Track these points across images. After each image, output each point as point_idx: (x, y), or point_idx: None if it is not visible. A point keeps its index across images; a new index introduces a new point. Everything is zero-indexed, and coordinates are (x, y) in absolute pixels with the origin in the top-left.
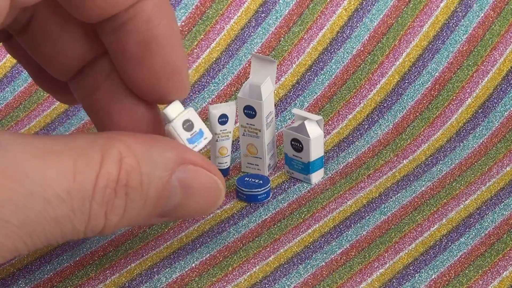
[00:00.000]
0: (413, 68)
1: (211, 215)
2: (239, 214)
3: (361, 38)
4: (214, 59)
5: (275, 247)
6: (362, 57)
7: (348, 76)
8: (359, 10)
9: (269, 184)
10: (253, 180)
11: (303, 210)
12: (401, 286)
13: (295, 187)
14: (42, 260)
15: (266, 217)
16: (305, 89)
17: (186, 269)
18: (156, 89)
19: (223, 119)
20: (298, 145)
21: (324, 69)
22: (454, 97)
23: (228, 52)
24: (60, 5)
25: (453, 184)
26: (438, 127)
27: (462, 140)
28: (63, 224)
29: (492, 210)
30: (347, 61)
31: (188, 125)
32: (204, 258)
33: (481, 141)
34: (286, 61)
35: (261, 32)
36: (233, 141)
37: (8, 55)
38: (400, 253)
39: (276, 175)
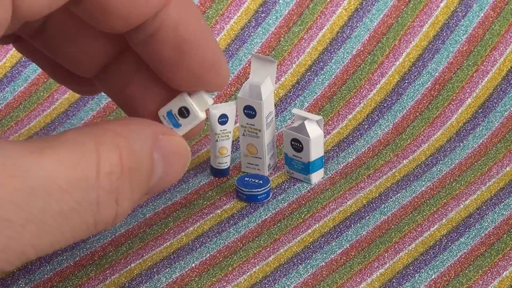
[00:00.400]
0: (413, 68)
1: (211, 215)
2: (239, 214)
3: (361, 38)
4: None
5: (275, 247)
6: (362, 57)
7: (348, 76)
8: (359, 10)
9: (269, 184)
10: (253, 180)
11: (303, 210)
12: (401, 286)
13: (295, 187)
14: (42, 260)
15: (266, 217)
16: (305, 89)
17: (186, 269)
18: (198, 86)
19: (223, 119)
20: (298, 145)
21: (324, 69)
22: (454, 97)
23: (228, 52)
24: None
25: (453, 184)
26: (438, 127)
27: (462, 140)
28: (70, 218)
29: (492, 210)
30: (347, 61)
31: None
32: (204, 258)
33: (481, 141)
34: (286, 61)
35: (261, 32)
36: (233, 141)
37: (8, 55)
38: (400, 253)
39: (276, 175)
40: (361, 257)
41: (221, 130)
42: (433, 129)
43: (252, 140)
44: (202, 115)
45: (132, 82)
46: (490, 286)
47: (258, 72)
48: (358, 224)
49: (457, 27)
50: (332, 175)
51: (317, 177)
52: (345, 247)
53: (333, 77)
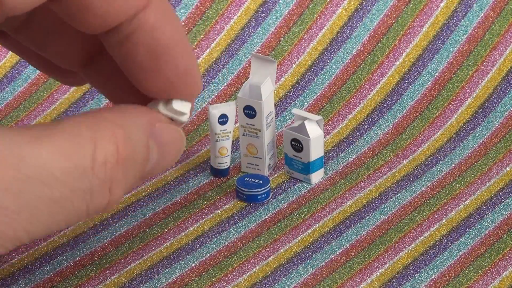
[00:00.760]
0: (413, 68)
1: (211, 214)
2: (239, 214)
3: (361, 38)
4: (214, 59)
5: (275, 247)
6: (362, 57)
7: (348, 76)
8: (359, 10)
9: (269, 184)
10: (253, 180)
11: (303, 210)
12: (401, 286)
13: (295, 187)
14: (42, 260)
15: (266, 217)
16: (305, 89)
17: (186, 269)
18: (169, 92)
19: (223, 119)
20: (298, 145)
21: (324, 69)
22: (454, 97)
23: (228, 52)
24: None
25: (453, 184)
26: (438, 127)
27: (462, 140)
28: (63, 206)
29: (492, 210)
30: (347, 61)
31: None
32: (204, 258)
33: (481, 141)
34: (286, 61)
35: (261, 32)
36: (233, 141)
37: (8, 55)
38: (400, 253)
39: (276, 175)
40: (361, 257)
41: (221, 130)
42: (433, 129)
43: (252, 140)
44: (185, 118)
45: (116, 73)
46: (490, 286)
47: (258, 72)
48: (358, 224)
49: (457, 27)
50: (332, 175)
51: (317, 177)
52: (345, 247)
53: (333, 77)
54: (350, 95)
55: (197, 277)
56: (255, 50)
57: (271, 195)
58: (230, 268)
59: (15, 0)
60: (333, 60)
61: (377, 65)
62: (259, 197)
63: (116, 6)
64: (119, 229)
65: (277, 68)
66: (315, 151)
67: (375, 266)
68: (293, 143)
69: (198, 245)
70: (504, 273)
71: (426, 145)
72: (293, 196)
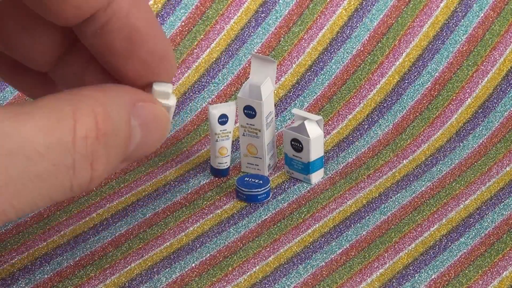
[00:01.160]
0: (413, 68)
1: (211, 215)
2: (239, 214)
3: (361, 38)
4: (214, 59)
5: (275, 247)
6: (362, 57)
7: (348, 76)
8: (359, 10)
9: (269, 184)
10: (253, 180)
11: (303, 210)
12: (401, 286)
13: (295, 187)
14: (42, 260)
15: (266, 217)
16: (305, 89)
17: (186, 269)
18: (147, 76)
19: (223, 119)
20: (298, 145)
21: (324, 69)
22: (454, 97)
23: (228, 52)
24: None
25: (453, 184)
26: (438, 127)
27: (462, 140)
28: (47, 181)
29: (492, 210)
30: (347, 61)
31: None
32: (204, 258)
33: (481, 141)
34: (286, 61)
35: (261, 32)
36: (233, 141)
37: None
38: (400, 253)
39: (276, 175)
40: (361, 257)
41: (221, 130)
42: (433, 129)
43: (252, 140)
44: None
45: (88, 69)
46: (490, 286)
47: (258, 72)
48: (358, 224)
49: (457, 27)
50: (332, 175)
51: (317, 177)
52: (345, 247)
53: (333, 77)
54: (350, 95)
55: (197, 277)
56: (255, 50)
57: (271, 195)
58: (230, 268)
59: None
60: (333, 60)
61: (377, 65)
62: (259, 197)
63: None
64: (119, 229)
65: (277, 68)
66: (315, 151)
67: (375, 266)
68: (293, 143)
69: (198, 245)
70: (504, 273)
71: (426, 145)
72: (293, 196)
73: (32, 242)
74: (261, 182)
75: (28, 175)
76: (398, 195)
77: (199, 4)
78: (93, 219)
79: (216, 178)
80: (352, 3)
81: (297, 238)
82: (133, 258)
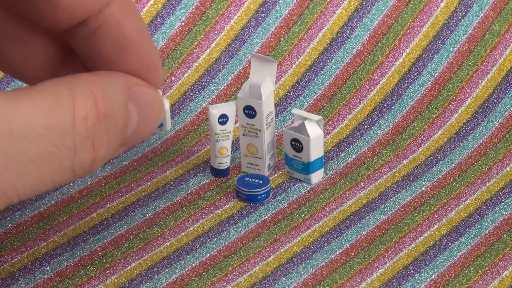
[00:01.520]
0: (413, 68)
1: (211, 214)
2: (239, 214)
3: (361, 38)
4: (214, 59)
5: (275, 247)
6: (362, 57)
7: (348, 76)
8: (359, 10)
9: (269, 184)
10: (253, 180)
11: (303, 210)
12: (401, 286)
13: (295, 187)
14: (42, 260)
15: (266, 217)
16: (305, 89)
17: (186, 269)
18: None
19: (223, 119)
20: (298, 145)
21: (324, 69)
22: (454, 97)
23: (228, 52)
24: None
25: (453, 184)
26: (438, 127)
27: (462, 140)
28: (48, 162)
29: (492, 210)
30: (347, 61)
31: None
32: (204, 258)
33: (481, 141)
34: (286, 61)
35: (261, 32)
36: (233, 141)
37: None
38: (400, 253)
39: (276, 175)
40: (361, 257)
41: (221, 130)
42: (433, 129)
43: (252, 140)
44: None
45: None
46: (490, 286)
47: (258, 72)
48: (358, 224)
49: (457, 27)
50: (332, 175)
51: (317, 177)
52: (345, 247)
53: (333, 77)
54: (350, 95)
55: (197, 277)
56: (255, 50)
57: (271, 195)
58: (230, 268)
59: None
60: (333, 60)
61: (377, 65)
62: (259, 197)
63: (83, 2)
64: (119, 229)
65: (277, 68)
66: (315, 151)
67: (375, 266)
68: (293, 143)
69: (198, 245)
70: (504, 273)
71: (426, 145)
72: (293, 196)
73: (32, 242)
74: (261, 182)
75: (29, 155)
76: (398, 195)
77: (199, 4)
78: (93, 219)
79: (216, 178)
80: (352, 3)
81: (297, 238)
82: (133, 258)
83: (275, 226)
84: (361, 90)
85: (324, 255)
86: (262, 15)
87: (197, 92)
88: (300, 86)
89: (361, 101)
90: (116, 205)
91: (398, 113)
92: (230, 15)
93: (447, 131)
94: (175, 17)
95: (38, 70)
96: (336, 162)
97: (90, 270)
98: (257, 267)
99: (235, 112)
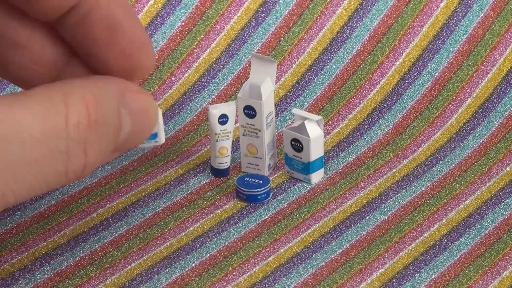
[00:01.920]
0: (413, 68)
1: (211, 214)
2: (239, 214)
3: (361, 38)
4: (214, 59)
5: (275, 247)
6: (362, 57)
7: (348, 76)
8: (359, 10)
9: (269, 184)
10: (253, 180)
11: (303, 210)
12: (401, 286)
13: (295, 187)
14: (42, 260)
15: (266, 217)
16: (305, 89)
17: (186, 269)
18: (128, 66)
19: (223, 119)
20: (298, 145)
21: (324, 69)
22: (454, 97)
23: (228, 52)
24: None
25: (453, 184)
26: (438, 127)
27: (462, 140)
28: (43, 165)
29: (492, 210)
30: (347, 61)
31: None
32: (204, 258)
33: (481, 141)
34: (286, 61)
35: (261, 32)
36: (233, 141)
37: None
38: (400, 253)
39: (276, 175)
40: (361, 257)
41: (221, 130)
42: (433, 129)
43: (252, 140)
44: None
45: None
46: (490, 286)
47: (258, 72)
48: (358, 224)
49: (457, 27)
50: (332, 175)
51: (317, 177)
52: (345, 247)
53: (333, 77)
54: (350, 95)
55: (197, 277)
56: (255, 50)
57: (271, 195)
58: (230, 268)
59: None
60: (333, 60)
61: (377, 65)
62: (259, 197)
63: None
64: (119, 229)
65: (277, 68)
66: (315, 151)
67: (375, 266)
68: (293, 143)
69: (198, 245)
70: (504, 273)
71: (426, 145)
72: (293, 196)
73: (32, 242)
74: (261, 182)
75: (25, 159)
76: (398, 195)
77: (199, 4)
78: (93, 219)
79: (216, 178)
80: (352, 3)
81: (297, 238)
82: (133, 258)
83: (275, 226)
84: (361, 90)
85: (324, 255)
86: (262, 15)
87: (197, 92)
88: (300, 86)
89: (361, 101)
90: (116, 205)
91: (398, 113)
92: (230, 15)
93: (447, 131)
94: (175, 17)
95: (39, 75)
96: (336, 162)
97: (90, 270)
98: (257, 267)
99: (235, 112)
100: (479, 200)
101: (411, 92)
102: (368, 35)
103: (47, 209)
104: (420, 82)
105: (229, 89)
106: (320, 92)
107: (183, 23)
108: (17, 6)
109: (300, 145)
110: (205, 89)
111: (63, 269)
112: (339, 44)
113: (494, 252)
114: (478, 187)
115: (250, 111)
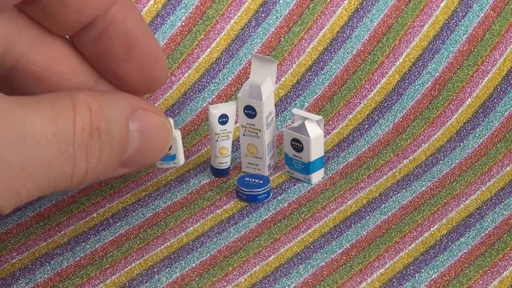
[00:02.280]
0: (413, 68)
1: (211, 214)
2: (239, 214)
3: (361, 38)
4: (214, 59)
5: (275, 247)
6: (362, 57)
7: (348, 76)
8: (359, 10)
9: (269, 184)
10: (253, 180)
11: (303, 210)
12: (401, 286)
13: (295, 187)
14: (42, 259)
15: (266, 217)
16: (305, 89)
17: (186, 269)
18: (144, 79)
19: (223, 119)
20: (298, 145)
21: (324, 69)
22: (454, 97)
23: (228, 52)
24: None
25: (453, 184)
26: (438, 127)
27: (462, 140)
28: (54, 167)
29: (492, 210)
30: (347, 61)
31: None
32: (204, 258)
33: (481, 141)
34: (286, 61)
35: (261, 32)
36: (233, 141)
37: None
38: (400, 253)
39: (276, 175)
40: (361, 257)
41: (221, 130)
42: (433, 129)
43: (252, 140)
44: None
45: None
46: (490, 286)
47: (258, 72)
48: (358, 224)
49: (457, 27)
50: (332, 175)
51: (317, 177)
52: (345, 247)
53: (333, 77)
54: (350, 95)
55: (197, 277)
56: (255, 50)
57: (271, 195)
58: (230, 268)
59: None
60: (333, 60)
61: (377, 65)
62: (259, 197)
63: (90, 1)
64: (119, 229)
65: (277, 68)
66: (315, 151)
67: (376, 266)
68: (293, 143)
69: (198, 245)
70: (504, 273)
71: (426, 145)
72: (293, 196)
73: (33, 241)
74: (261, 182)
75: (40, 159)
76: (398, 195)
77: (199, 4)
78: (93, 219)
79: (216, 178)
80: (352, 3)
81: (298, 238)
82: (133, 258)
83: (275, 226)
84: (361, 90)
85: (324, 255)
86: (262, 15)
87: (197, 92)
88: (300, 86)
89: (361, 101)
90: (116, 205)
91: (398, 113)
92: (230, 15)
93: (447, 131)
94: (175, 17)
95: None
96: (336, 162)
97: (90, 270)
98: (258, 267)
99: (235, 112)
100: (479, 200)
101: (411, 92)
102: (368, 35)
103: (47, 209)
104: (420, 82)
105: (229, 89)
106: (320, 92)
107: (183, 23)
108: (33, 16)
109: (300, 145)
110: (205, 89)
111: (63, 269)
112: (339, 44)
113: (494, 252)
114: (478, 187)
115: (250, 111)
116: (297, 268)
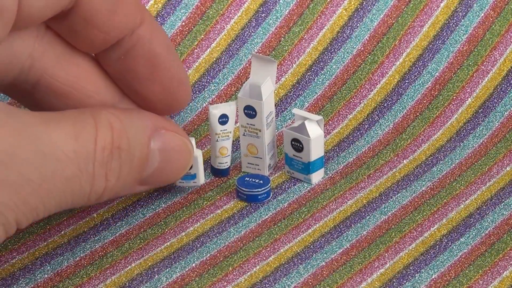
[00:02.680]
0: (413, 68)
1: (211, 214)
2: (239, 214)
3: (361, 38)
4: (214, 59)
5: (275, 247)
6: (362, 57)
7: (348, 76)
8: (359, 10)
9: (269, 184)
10: (253, 180)
11: (303, 210)
12: (401, 286)
13: (295, 187)
14: (42, 260)
15: (266, 217)
16: (305, 89)
17: (186, 269)
18: (167, 100)
19: (223, 119)
20: (298, 145)
21: (324, 69)
22: (454, 97)
23: (228, 52)
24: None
25: (453, 184)
26: (438, 127)
27: (462, 140)
28: (73, 184)
29: (492, 210)
30: (347, 61)
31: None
32: (204, 258)
33: (481, 141)
34: (286, 61)
35: (261, 32)
36: (233, 141)
37: None
38: (400, 253)
39: (276, 175)
40: (361, 257)
41: (221, 130)
42: (433, 129)
43: (252, 140)
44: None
45: None
46: (490, 286)
47: (258, 72)
48: (358, 224)
49: (457, 27)
50: (332, 175)
51: (317, 177)
52: (345, 247)
53: (333, 77)
54: (351, 95)
55: (198, 277)
56: (255, 50)
57: (271, 195)
58: (230, 268)
59: (32, 4)
60: (333, 60)
61: (377, 65)
62: (259, 197)
63: (118, 22)
64: (119, 229)
65: (277, 68)
66: (315, 151)
67: (376, 266)
68: (293, 143)
69: (198, 245)
70: (505, 273)
71: (426, 145)
72: (293, 196)
73: (33, 241)
74: (261, 182)
75: (58, 176)
76: (399, 195)
77: (199, 4)
78: (93, 219)
79: (217, 178)
80: (352, 3)
81: (298, 238)
82: (134, 258)
83: (275, 226)
84: (361, 90)
85: (324, 255)
86: (262, 15)
87: (197, 92)
88: (300, 86)
89: (361, 101)
90: (116, 205)
91: (398, 113)
92: (230, 15)
93: (447, 131)
94: (175, 17)
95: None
96: (336, 162)
97: (90, 270)
98: (258, 267)
99: (235, 112)
100: (479, 200)
101: (411, 92)
102: (369, 35)
103: None
104: (420, 82)
105: (229, 89)
106: (320, 92)
107: (183, 23)
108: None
109: (300, 145)
110: (205, 89)
111: (64, 269)
112: (339, 44)
113: (494, 252)
114: (478, 187)
115: (250, 111)
116: (297, 268)
